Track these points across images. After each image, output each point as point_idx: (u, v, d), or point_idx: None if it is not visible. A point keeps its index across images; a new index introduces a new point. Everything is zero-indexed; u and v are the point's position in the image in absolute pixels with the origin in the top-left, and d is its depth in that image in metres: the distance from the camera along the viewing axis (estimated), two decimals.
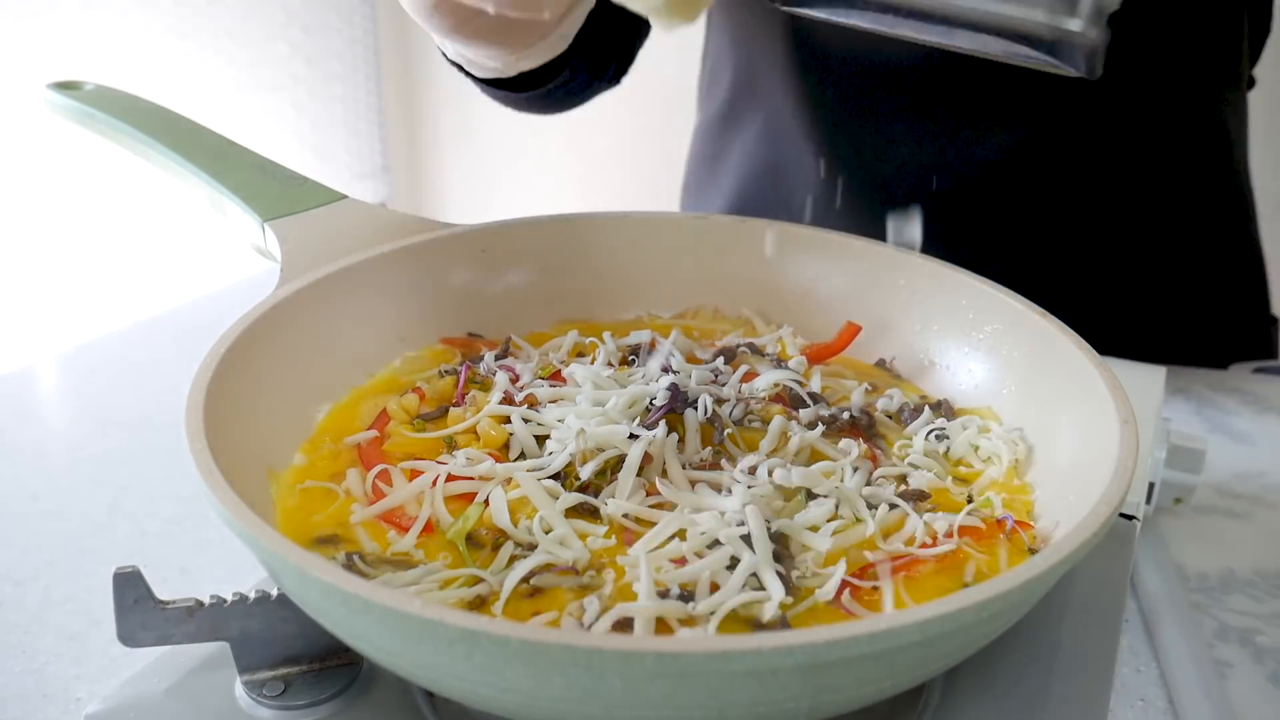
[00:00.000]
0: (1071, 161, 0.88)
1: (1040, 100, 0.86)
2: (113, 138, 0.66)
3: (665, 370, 0.57)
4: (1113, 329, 0.87)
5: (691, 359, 0.59)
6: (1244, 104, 0.95)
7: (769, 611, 0.41)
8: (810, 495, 0.48)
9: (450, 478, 0.49)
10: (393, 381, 0.58)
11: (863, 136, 0.90)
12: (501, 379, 0.56)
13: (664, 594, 0.41)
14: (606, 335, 0.61)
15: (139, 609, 0.43)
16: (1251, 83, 0.98)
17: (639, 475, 0.48)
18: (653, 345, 0.60)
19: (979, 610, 0.35)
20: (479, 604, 0.42)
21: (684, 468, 0.50)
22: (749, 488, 0.47)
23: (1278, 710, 0.52)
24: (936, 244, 0.89)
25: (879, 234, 0.89)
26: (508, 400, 0.54)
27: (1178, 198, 0.92)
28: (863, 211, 0.91)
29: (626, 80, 1.00)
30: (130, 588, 0.43)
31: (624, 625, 0.40)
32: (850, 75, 0.89)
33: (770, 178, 0.96)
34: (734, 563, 0.43)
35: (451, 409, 0.54)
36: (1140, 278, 0.93)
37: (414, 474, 0.50)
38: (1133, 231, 0.92)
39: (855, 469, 0.50)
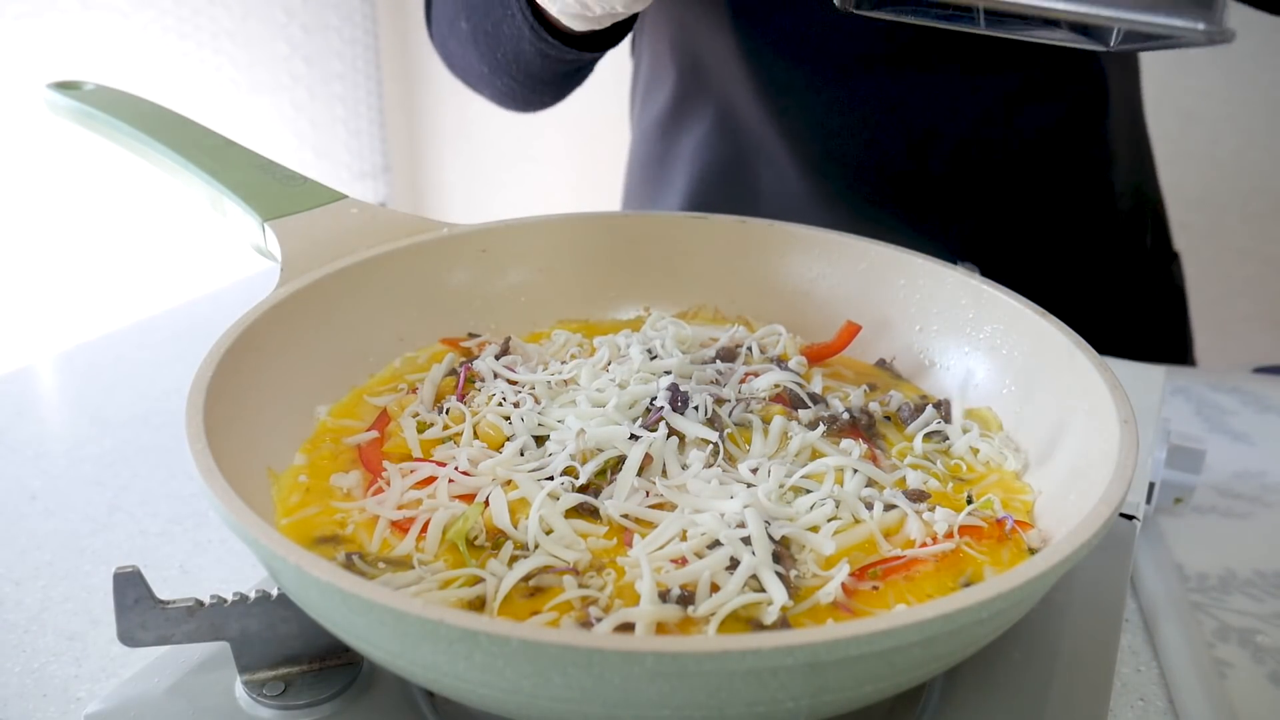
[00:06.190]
0: (1023, 144, 0.89)
1: (999, 77, 0.86)
2: (113, 138, 0.66)
3: (651, 356, 0.57)
4: (1107, 327, 0.88)
5: (690, 349, 0.59)
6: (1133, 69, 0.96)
7: (770, 615, 0.41)
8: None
9: (450, 479, 0.49)
10: (393, 381, 0.58)
11: (824, 116, 0.88)
12: (499, 380, 0.56)
13: (664, 595, 0.41)
14: (607, 336, 0.61)
15: (139, 609, 0.43)
16: None
17: (639, 476, 0.48)
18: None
19: (979, 610, 0.35)
20: (479, 604, 0.42)
21: (683, 468, 0.50)
22: (749, 486, 0.47)
23: (1278, 710, 0.52)
24: (904, 222, 0.89)
25: (843, 214, 0.89)
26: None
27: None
28: (826, 191, 0.90)
29: (625, 82, 1.00)
30: (130, 587, 0.43)
31: (624, 625, 0.40)
32: (804, 56, 0.87)
33: (728, 171, 0.94)
34: (734, 563, 0.43)
35: (452, 409, 0.54)
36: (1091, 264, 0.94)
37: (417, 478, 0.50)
38: (1084, 217, 0.92)
39: (855, 471, 0.50)
